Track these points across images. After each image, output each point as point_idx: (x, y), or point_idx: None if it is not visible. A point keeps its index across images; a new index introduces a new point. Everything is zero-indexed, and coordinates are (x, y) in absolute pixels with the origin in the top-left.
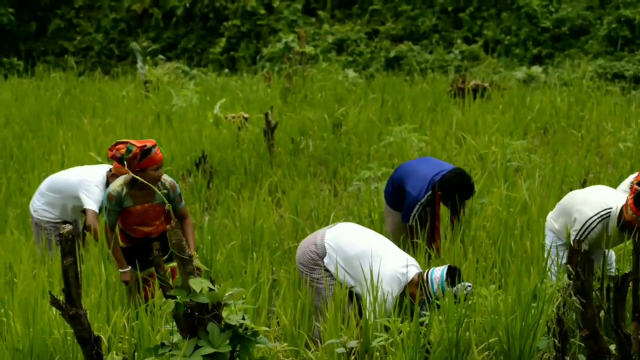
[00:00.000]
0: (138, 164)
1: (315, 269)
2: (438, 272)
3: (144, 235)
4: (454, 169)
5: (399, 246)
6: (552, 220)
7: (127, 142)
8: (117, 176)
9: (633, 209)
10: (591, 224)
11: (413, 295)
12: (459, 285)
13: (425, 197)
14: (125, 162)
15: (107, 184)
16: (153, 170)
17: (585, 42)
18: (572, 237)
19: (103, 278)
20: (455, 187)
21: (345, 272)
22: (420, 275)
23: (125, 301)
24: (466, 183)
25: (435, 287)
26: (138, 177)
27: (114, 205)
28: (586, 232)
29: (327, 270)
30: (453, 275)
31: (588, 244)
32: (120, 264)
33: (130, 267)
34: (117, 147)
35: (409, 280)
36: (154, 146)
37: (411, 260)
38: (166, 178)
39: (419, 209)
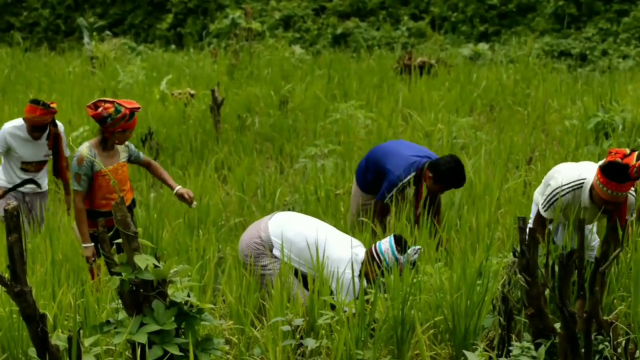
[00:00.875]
0: (125, 124)
1: (263, 257)
2: (386, 244)
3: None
4: (450, 155)
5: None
6: (538, 194)
7: (109, 101)
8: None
9: (599, 176)
10: (560, 191)
11: (367, 274)
12: (409, 250)
13: (408, 178)
14: (111, 121)
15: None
16: (130, 131)
17: (532, 20)
18: (540, 204)
19: (49, 255)
20: (451, 173)
21: (299, 263)
22: (368, 252)
23: (72, 278)
24: (462, 172)
25: (388, 258)
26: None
27: (86, 169)
28: (553, 199)
29: (276, 257)
30: (400, 243)
31: (553, 213)
32: (83, 238)
33: (92, 244)
34: (103, 105)
35: (362, 261)
36: (139, 108)
37: (355, 241)
38: None
39: (399, 189)
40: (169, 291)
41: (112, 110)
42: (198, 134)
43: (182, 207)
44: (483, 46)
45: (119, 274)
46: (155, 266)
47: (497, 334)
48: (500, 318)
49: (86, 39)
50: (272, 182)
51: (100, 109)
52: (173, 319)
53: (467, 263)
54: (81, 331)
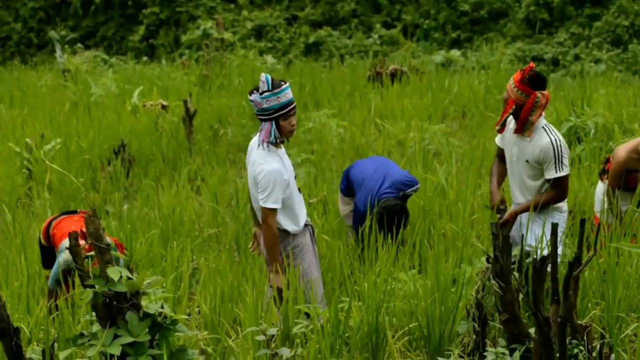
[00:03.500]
0: None
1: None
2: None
3: None
4: (395, 200)
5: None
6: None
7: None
8: None
9: (517, 84)
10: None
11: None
12: None
13: (372, 214)
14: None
15: None
16: None
17: (504, 26)
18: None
19: (24, 269)
20: (381, 218)
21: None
22: None
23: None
24: (390, 219)
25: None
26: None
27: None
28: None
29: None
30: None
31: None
32: None
33: None
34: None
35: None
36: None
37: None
38: None
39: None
40: (143, 303)
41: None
42: (171, 145)
43: (156, 219)
44: (455, 53)
45: (93, 286)
46: (129, 278)
47: (472, 340)
48: (475, 324)
49: (58, 52)
50: (245, 192)
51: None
52: (147, 330)
53: (441, 270)
54: (55, 344)
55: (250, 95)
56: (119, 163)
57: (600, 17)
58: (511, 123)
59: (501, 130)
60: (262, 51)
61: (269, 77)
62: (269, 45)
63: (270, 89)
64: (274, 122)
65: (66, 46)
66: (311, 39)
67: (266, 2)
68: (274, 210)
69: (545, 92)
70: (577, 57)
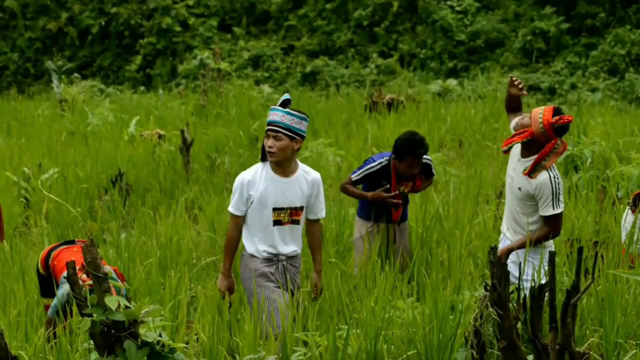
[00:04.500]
0: None
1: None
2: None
3: None
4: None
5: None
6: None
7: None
8: None
9: (545, 124)
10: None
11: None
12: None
13: (380, 160)
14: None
15: None
16: None
17: (501, 55)
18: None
19: (22, 297)
20: (405, 141)
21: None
22: None
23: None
24: (417, 135)
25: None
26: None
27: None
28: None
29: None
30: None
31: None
32: None
33: None
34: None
35: None
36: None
37: None
38: None
39: (374, 168)
40: (141, 331)
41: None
42: (168, 174)
43: (154, 247)
44: (452, 82)
45: (90, 315)
46: (127, 307)
47: None
48: (473, 351)
49: (55, 82)
50: None
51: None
52: (145, 358)
53: (439, 297)
54: None
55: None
56: (116, 192)
57: (596, 46)
58: (517, 148)
59: (507, 152)
60: (258, 81)
61: (287, 97)
62: (266, 74)
63: (278, 105)
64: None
65: (63, 76)
66: (308, 69)
67: (263, 32)
68: (234, 215)
69: (564, 140)
70: (573, 86)
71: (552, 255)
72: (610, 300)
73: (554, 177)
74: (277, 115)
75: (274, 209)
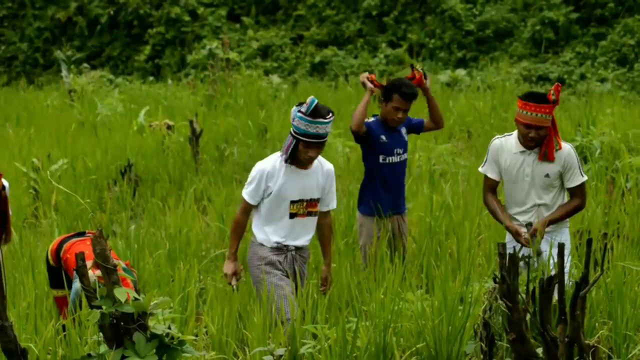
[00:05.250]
0: None
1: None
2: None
3: None
4: None
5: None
6: None
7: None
8: None
9: (519, 104)
10: (493, 140)
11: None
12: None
13: (372, 119)
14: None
15: None
16: None
17: (510, 45)
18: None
19: (31, 289)
20: (396, 82)
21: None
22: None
23: (54, 312)
24: (406, 81)
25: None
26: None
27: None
28: (488, 150)
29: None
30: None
31: (491, 165)
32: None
33: None
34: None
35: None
36: None
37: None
38: None
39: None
40: (150, 323)
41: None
42: (177, 165)
43: (163, 239)
44: (461, 72)
45: (100, 307)
46: (136, 299)
47: None
48: (482, 344)
49: (64, 72)
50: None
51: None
52: (154, 351)
53: (448, 289)
54: None
55: (296, 106)
56: (125, 183)
57: (605, 37)
58: (508, 144)
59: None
60: (267, 71)
61: (315, 101)
62: (275, 65)
63: (307, 113)
64: (294, 141)
65: (72, 66)
66: (317, 59)
67: (272, 22)
68: (247, 203)
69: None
70: (582, 76)
71: (561, 247)
72: (620, 293)
73: (572, 147)
74: (322, 128)
75: (292, 202)
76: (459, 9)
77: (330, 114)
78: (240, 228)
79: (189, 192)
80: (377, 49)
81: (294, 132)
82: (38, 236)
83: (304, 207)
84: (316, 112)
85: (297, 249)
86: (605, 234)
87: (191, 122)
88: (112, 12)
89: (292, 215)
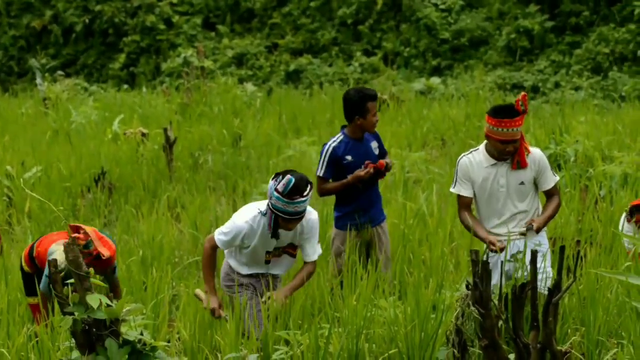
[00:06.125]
0: (90, 261)
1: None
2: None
3: None
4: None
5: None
6: None
7: (87, 234)
8: None
9: (489, 121)
10: (460, 159)
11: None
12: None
13: (338, 136)
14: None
15: None
16: (101, 269)
17: (485, 53)
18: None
19: (4, 295)
20: (359, 93)
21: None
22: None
23: (26, 318)
24: (362, 86)
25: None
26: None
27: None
28: (456, 169)
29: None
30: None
31: (462, 185)
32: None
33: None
34: (78, 235)
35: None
36: (104, 255)
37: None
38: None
39: (332, 147)
40: (123, 329)
41: (82, 243)
42: (151, 173)
43: (136, 246)
44: (435, 80)
45: (72, 313)
46: (108, 305)
47: None
48: (455, 350)
49: (39, 80)
50: (225, 220)
51: (74, 235)
52: (127, 357)
53: (421, 296)
54: None
55: (272, 179)
56: (99, 190)
57: (580, 45)
58: (476, 159)
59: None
60: (242, 79)
61: (292, 182)
62: (250, 73)
63: (285, 194)
64: (274, 216)
65: (47, 74)
66: (291, 67)
67: (247, 30)
68: (218, 242)
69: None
70: (557, 85)
71: (534, 254)
72: (593, 299)
73: (539, 149)
74: (301, 206)
75: (267, 252)
76: (434, 17)
77: (309, 188)
78: (212, 262)
79: (162, 199)
80: (352, 57)
81: (272, 208)
82: (11, 243)
83: (279, 252)
84: (294, 192)
85: (273, 276)
86: (578, 241)
87: (165, 130)
88: (87, 21)
89: (267, 261)
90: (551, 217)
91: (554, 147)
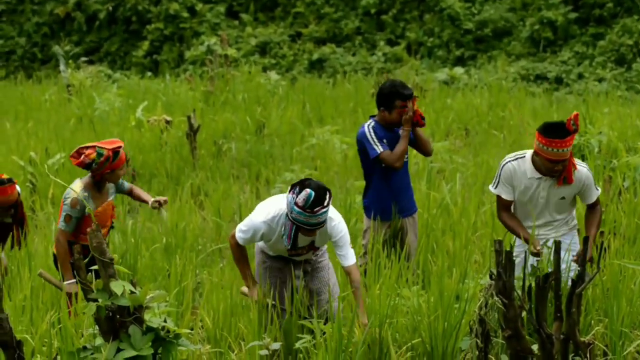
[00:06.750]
0: (111, 165)
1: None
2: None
3: None
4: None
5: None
6: None
7: (91, 146)
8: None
9: (540, 139)
10: (503, 162)
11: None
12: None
13: (369, 123)
14: (97, 166)
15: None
16: (120, 169)
17: (508, 44)
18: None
19: (28, 281)
20: (391, 88)
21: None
22: None
23: (50, 305)
24: (398, 81)
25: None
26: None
27: (78, 212)
28: (499, 172)
29: None
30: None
31: (504, 187)
32: (68, 274)
33: (75, 280)
34: (85, 152)
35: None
36: (121, 146)
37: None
38: None
39: (371, 132)
40: (146, 317)
41: (94, 155)
42: (174, 160)
43: (159, 233)
44: (459, 70)
45: (96, 300)
46: (132, 292)
47: (475, 356)
48: (478, 340)
49: (62, 67)
50: (248, 207)
51: (82, 157)
52: (150, 344)
53: (444, 286)
54: (58, 357)
55: (290, 191)
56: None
57: (604, 36)
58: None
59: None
60: (265, 67)
61: (313, 196)
62: (273, 61)
63: (307, 208)
64: (294, 227)
65: (70, 61)
66: (315, 56)
67: (270, 19)
68: (239, 240)
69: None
70: (580, 76)
71: (557, 244)
72: (616, 290)
73: (586, 165)
74: (323, 216)
75: (288, 249)
76: (457, 7)
77: (328, 196)
78: (241, 256)
79: (185, 186)
80: (375, 47)
81: (294, 221)
82: (35, 229)
83: (304, 250)
84: (316, 204)
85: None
86: (602, 232)
87: (189, 118)
88: (110, 8)
89: (291, 255)
90: (595, 234)
91: (578, 138)
